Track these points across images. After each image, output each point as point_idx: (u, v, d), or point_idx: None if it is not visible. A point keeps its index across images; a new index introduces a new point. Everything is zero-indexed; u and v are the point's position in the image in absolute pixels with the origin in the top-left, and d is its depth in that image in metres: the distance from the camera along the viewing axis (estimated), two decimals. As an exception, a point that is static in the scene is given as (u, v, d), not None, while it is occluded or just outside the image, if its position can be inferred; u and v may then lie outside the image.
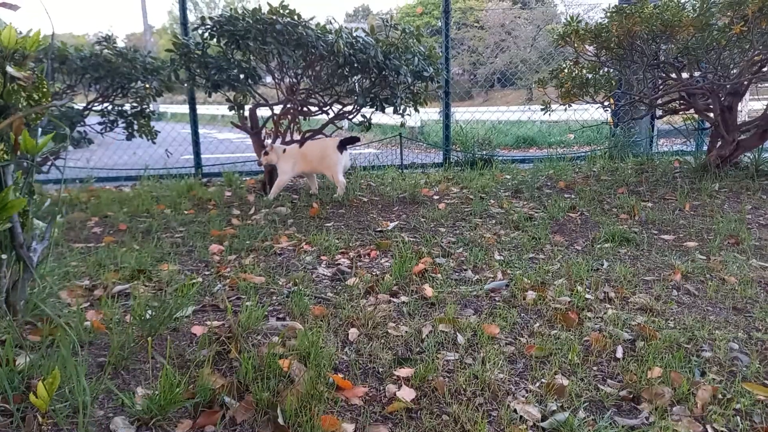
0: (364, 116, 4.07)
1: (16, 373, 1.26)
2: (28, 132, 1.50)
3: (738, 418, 1.29)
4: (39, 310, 1.61)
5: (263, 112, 4.10)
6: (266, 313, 1.79)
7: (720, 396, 1.37)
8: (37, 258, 1.59)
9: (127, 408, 1.23)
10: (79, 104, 4.03)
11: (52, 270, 1.86)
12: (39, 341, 1.45)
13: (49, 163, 3.70)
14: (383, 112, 3.89)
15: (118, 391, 1.27)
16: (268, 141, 3.85)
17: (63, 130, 1.63)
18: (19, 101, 1.47)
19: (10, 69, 1.43)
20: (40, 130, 1.62)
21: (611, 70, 4.34)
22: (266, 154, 3.64)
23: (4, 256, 1.48)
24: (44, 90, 1.49)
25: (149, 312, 1.65)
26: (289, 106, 3.86)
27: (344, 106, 4.01)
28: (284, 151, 3.63)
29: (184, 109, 5.42)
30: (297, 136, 4.10)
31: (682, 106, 4.34)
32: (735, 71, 3.86)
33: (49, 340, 1.45)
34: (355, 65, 3.51)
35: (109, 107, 4.10)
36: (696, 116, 4.81)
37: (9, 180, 1.52)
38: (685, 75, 4.09)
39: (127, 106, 4.15)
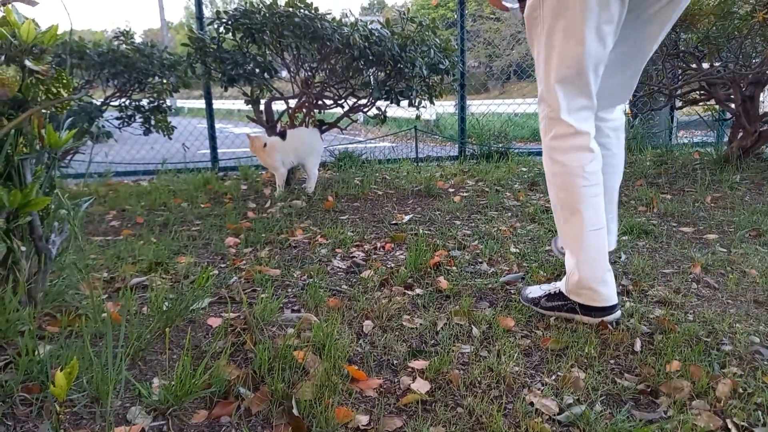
0: (379, 109, 4.06)
1: (36, 363, 1.28)
2: (52, 126, 1.52)
3: (759, 412, 1.26)
4: (58, 302, 1.63)
5: (278, 107, 4.11)
6: (281, 305, 1.80)
7: (740, 390, 1.34)
8: (56, 250, 1.61)
9: (144, 398, 1.25)
10: (97, 100, 4.08)
11: (72, 262, 1.89)
12: (58, 332, 1.47)
13: (69, 157, 3.75)
14: (398, 105, 3.88)
15: (135, 381, 1.29)
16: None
17: (83, 126, 1.65)
18: (38, 95, 1.48)
19: (28, 63, 1.45)
20: (67, 122, 1.64)
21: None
22: (264, 146, 3.41)
23: (23, 248, 1.51)
24: (64, 82, 1.50)
25: (166, 304, 1.67)
26: (304, 99, 3.86)
27: (359, 99, 4.01)
28: (265, 145, 3.39)
29: (201, 104, 5.45)
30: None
31: (703, 97, 4.26)
32: (757, 60, 3.78)
33: (68, 330, 1.47)
34: (371, 58, 3.49)
35: (127, 102, 4.14)
36: (716, 107, 4.72)
37: (28, 174, 1.54)
38: (705, 65, 4.02)
39: (144, 102, 4.18)
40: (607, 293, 1.66)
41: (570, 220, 1.64)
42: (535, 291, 1.84)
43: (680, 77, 4.16)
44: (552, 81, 1.56)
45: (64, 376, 0.94)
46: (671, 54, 3.91)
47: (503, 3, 1.80)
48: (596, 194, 1.60)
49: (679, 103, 4.60)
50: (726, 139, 4.60)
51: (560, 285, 1.77)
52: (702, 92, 4.22)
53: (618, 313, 1.69)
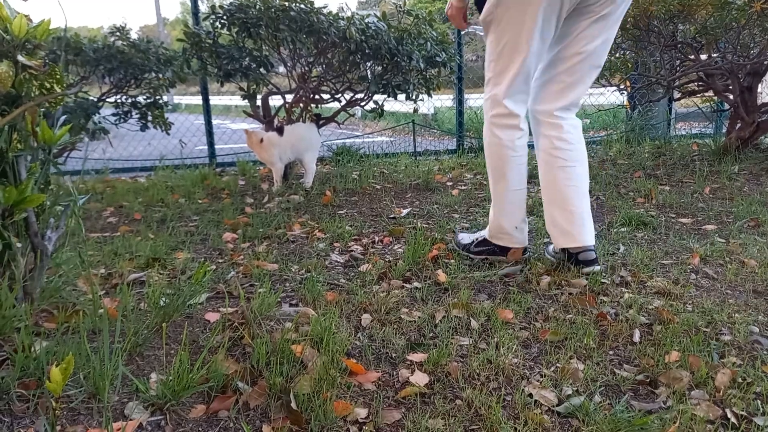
0: (376, 103, 4.04)
1: (32, 359, 1.27)
2: (46, 122, 1.50)
3: (758, 401, 1.26)
4: (55, 298, 1.63)
5: (275, 102, 4.09)
6: (279, 299, 1.79)
7: (740, 380, 1.34)
8: (52, 247, 1.60)
9: (142, 393, 1.24)
10: (93, 96, 4.06)
11: (69, 259, 1.88)
12: (55, 328, 1.47)
13: (66, 154, 3.74)
14: (395, 98, 3.87)
15: (132, 377, 1.28)
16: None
17: (80, 122, 1.63)
18: (31, 90, 1.47)
19: (21, 58, 1.44)
20: (62, 118, 1.63)
21: (627, 53, 4.26)
22: (261, 141, 3.39)
23: (19, 245, 1.50)
24: (57, 77, 1.49)
25: (163, 299, 1.66)
26: (300, 94, 3.84)
27: (356, 93, 3.99)
28: (261, 140, 3.37)
29: (198, 100, 5.44)
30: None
31: (701, 88, 4.25)
32: (755, 51, 3.77)
33: (65, 327, 1.47)
34: (367, 51, 3.48)
35: (123, 98, 4.13)
36: (715, 98, 4.71)
37: (23, 170, 1.53)
38: (703, 56, 4.00)
39: (140, 98, 4.17)
40: (521, 237, 2.14)
41: (499, 181, 2.09)
42: (465, 238, 2.25)
43: (678, 68, 4.14)
44: (499, 72, 1.97)
45: (60, 371, 0.93)
46: (669, 45, 3.90)
47: (462, 23, 2.17)
48: (521, 163, 2.08)
49: (677, 95, 4.59)
50: (724, 130, 4.59)
51: (484, 233, 2.19)
52: (700, 83, 4.21)
53: (526, 254, 2.16)
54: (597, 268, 1.99)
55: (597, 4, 1.88)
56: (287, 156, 3.50)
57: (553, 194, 2.03)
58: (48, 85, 1.52)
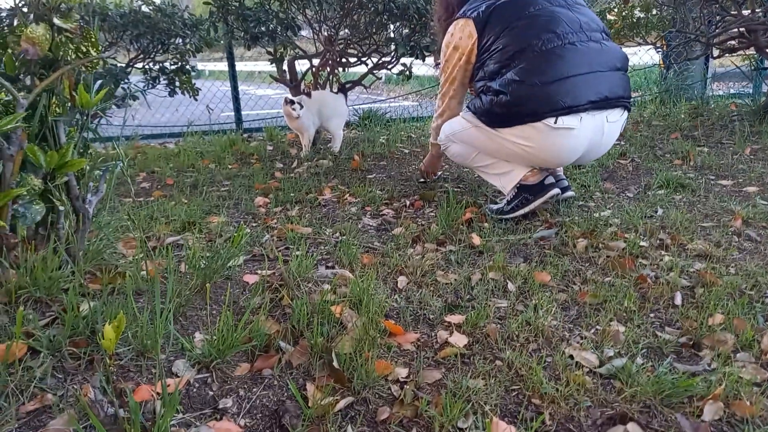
0: (404, 65, 3.97)
1: (81, 318, 1.31)
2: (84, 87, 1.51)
3: (807, 364, 1.24)
4: (97, 260, 1.66)
5: (301, 67, 4.05)
6: (315, 262, 1.80)
7: (787, 342, 1.32)
8: (92, 210, 1.62)
9: (187, 351, 1.27)
10: (121, 63, 4.06)
11: (108, 223, 1.91)
12: (99, 289, 1.50)
13: (96, 120, 3.77)
14: (423, 60, 3.79)
15: (179, 336, 1.31)
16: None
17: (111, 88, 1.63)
18: (67, 54, 1.47)
19: (57, 21, 1.43)
20: (99, 82, 1.63)
21: (664, 9, 4.09)
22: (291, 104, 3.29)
23: (62, 208, 1.52)
24: (93, 40, 1.49)
25: (203, 262, 1.68)
26: (327, 57, 3.79)
27: (383, 55, 3.92)
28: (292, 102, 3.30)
29: (222, 66, 5.41)
30: (336, 89, 4.05)
31: (742, 45, 4.07)
32: (803, 4, 3.58)
33: (110, 288, 1.50)
34: (395, 12, 3.40)
35: (151, 64, 4.12)
36: (755, 56, 4.52)
37: (62, 135, 1.55)
38: (745, 11, 3.82)
39: (167, 63, 4.16)
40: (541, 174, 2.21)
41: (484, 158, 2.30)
42: (494, 206, 2.31)
43: (718, 24, 3.96)
44: (447, 90, 2.35)
45: (112, 329, 0.95)
46: (709, 0, 3.73)
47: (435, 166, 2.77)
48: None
49: (716, 52, 4.41)
50: (764, 89, 4.41)
51: (506, 193, 2.26)
52: (741, 40, 4.03)
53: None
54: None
55: None
56: (315, 121, 3.48)
57: None
58: (84, 49, 1.52)
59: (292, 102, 3.29)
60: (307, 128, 3.45)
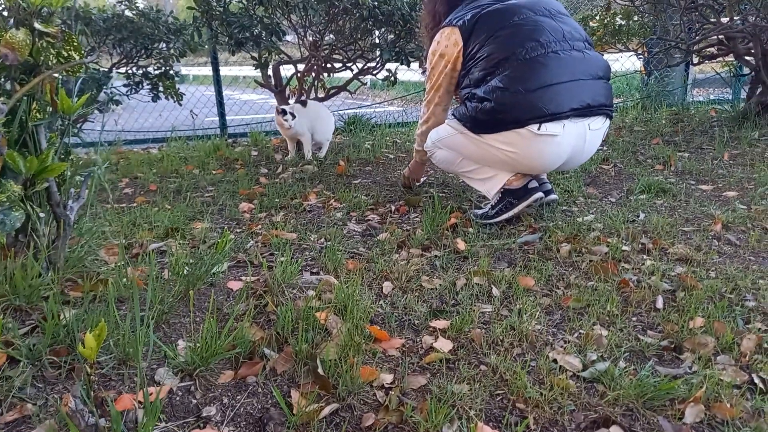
0: (389, 71, 3.98)
1: (62, 326, 1.29)
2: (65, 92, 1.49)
3: (785, 366, 1.26)
4: (79, 267, 1.64)
5: (285, 72, 4.04)
6: (300, 268, 1.80)
7: (766, 345, 1.34)
8: (74, 217, 1.60)
9: (170, 359, 1.26)
10: (104, 67, 4.03)
11: (90, 229, 1.89)
12: (81, 297, 1.48)
13: (79, 125, 3.73)
14: (408, 66, 3.80)
15: (161, 343, 1.30)
16: (291, 101, 3.78)
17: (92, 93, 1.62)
18: (48, 58, 1.46)
19: (38, 25, 1.42)
20: (78, 87, 1.62)
21: (645, 17, 4.15)
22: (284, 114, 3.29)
23: (42, 214, 1.50)
24: (75, 44, 1.47)
25: (186, 268, 1.67)
26: (312, 62, 3.79)
27: (368, 61, 3.93)
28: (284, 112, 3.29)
29: (206, 71, 5.38)
30: (321, 94, 4.06)
31: (721, 52, 4.15)
32: (779, 12, 3.65)
33: (91, 295, 1.48)
34: (380, 17, 3.41)
35: (134, 69, 4.09)
36: (734, 63, 4.60)
37: (43, 140, 1.53)
38: (724, 19, 3.89)
39: (150, 68, 4.13)
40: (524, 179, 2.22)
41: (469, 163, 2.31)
42: (479, 211, 2.31)
43: (698, 32, 4.03)
44: (433, 98, 2.36)
45: (93, 337, 0.94)
46: (688, 8, 3.79)
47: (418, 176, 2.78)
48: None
49: (696, 59, 4.48)
50: (743, 95, 4.49)
51: (491, 197, 2.27)
52: (720, 47, 4.10)
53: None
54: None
55: None
56: (310, 126, 3.49)
57: None
58: (65, 54, 1.50)
59: (284, 112, 3.29)
60: (303, 134, 3.45)
